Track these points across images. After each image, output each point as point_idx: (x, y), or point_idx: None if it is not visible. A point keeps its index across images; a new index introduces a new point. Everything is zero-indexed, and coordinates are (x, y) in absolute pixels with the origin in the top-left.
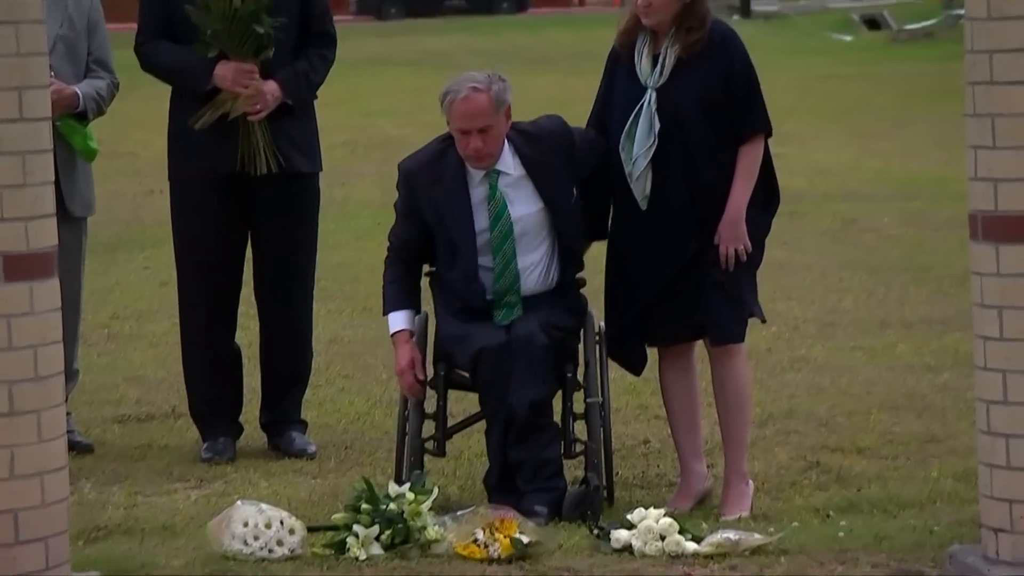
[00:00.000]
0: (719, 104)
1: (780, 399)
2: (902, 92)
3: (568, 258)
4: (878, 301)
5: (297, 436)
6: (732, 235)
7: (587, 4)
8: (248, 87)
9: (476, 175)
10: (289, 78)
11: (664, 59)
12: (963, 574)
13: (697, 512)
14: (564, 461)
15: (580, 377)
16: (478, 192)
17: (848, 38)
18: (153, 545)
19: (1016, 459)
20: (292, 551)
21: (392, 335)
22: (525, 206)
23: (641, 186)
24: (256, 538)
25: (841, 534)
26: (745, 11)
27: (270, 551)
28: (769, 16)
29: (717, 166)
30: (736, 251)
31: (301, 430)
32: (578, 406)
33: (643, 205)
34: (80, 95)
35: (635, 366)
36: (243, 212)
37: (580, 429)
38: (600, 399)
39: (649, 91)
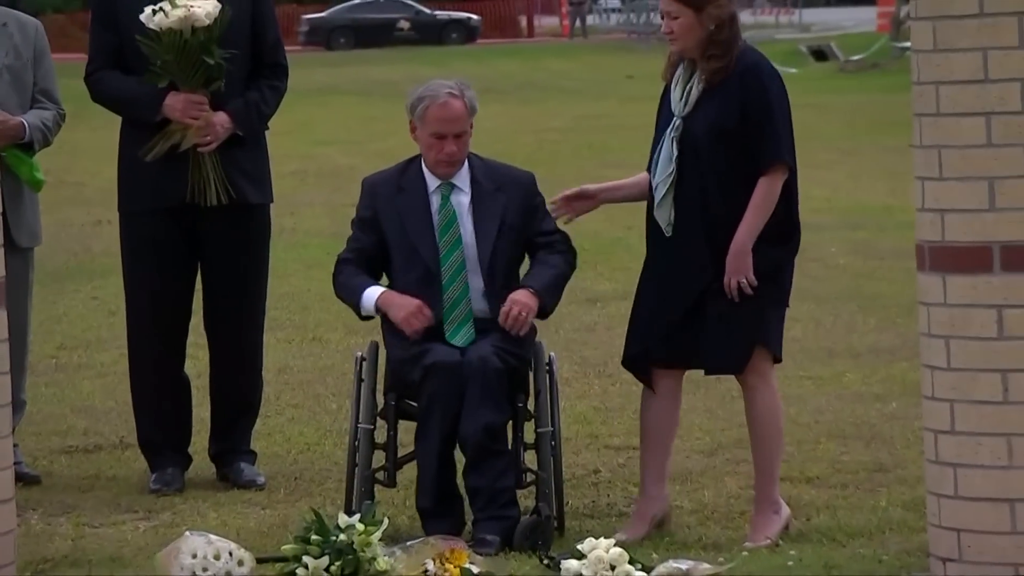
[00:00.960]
0: (734, 135)
1: (730, 428)
2: (849, 123)
3: (501, 290)
4: (826, 330)
5: (246, 467)
6: (735, 267)
7: (536, 35)
8: (198, 118)
9: (432, 184)
10: (240, 109)
11: (690, 88)
12: None
13: (647, 542)
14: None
15: (531, 407)
16: (432, 201)
17: (792, 70)
18: None
19: (964, 488)
20: None
21: (377, 300)
22: (469, 227)
23: (665, 214)
24: (205, 569)
25: (791, 563)
26: None
27: None
28: None
29: (730, 197)
30: (740, 284)
31: (250, 461)
32: (528, 436)
33: (667, 232)
34: (26, 125)
35: (649, 383)
36: (193, 242)
37: (531, 459)
38: (551, 429)
39: (675, 119)
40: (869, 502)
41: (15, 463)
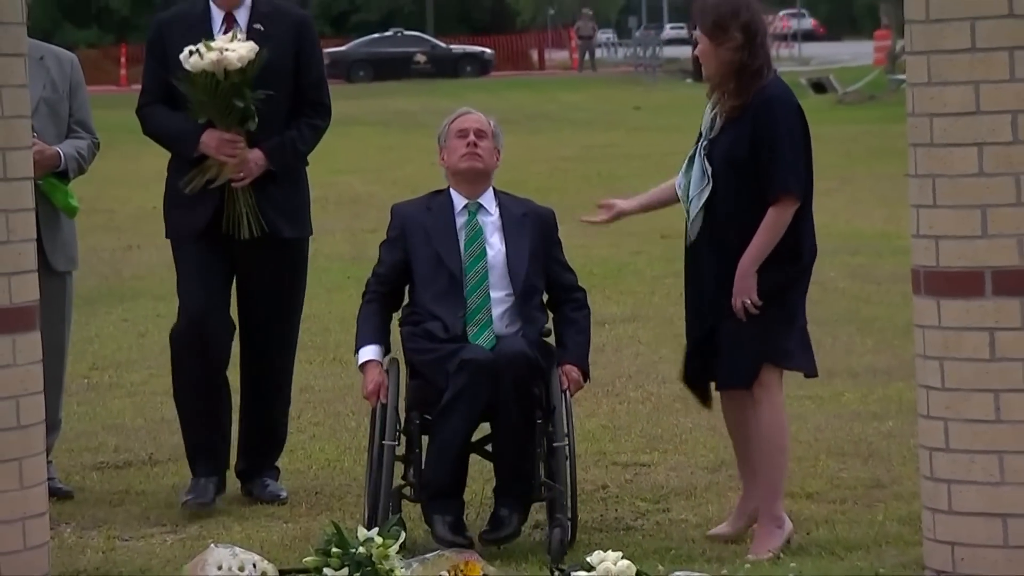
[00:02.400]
0: (746, 164)
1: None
2: (847, 152)
3: (530, 306)
4: (825, 351)
5: (270, 482)
6: (739, 288)
7: (547, 68)
8: (233, 155)
9: (459, 204)
10: (275, 147)
11: (715, 115)
12: None
13: (654, 554)
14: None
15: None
16: (458, 219)
17: None
18: None
19: (958, 504)
20: None
21: (361, 364)
22: (495, 244)
23: (697, 227)
24: None
25: (791, 575)
26: (698, 75)
27: None
28: None
29: (738, 223)
30: (745, 304)
31: (274, 476)
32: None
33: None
34: (62, 155)
35: (701, 399)
36: (233, 269)
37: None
38: (566, 442)
39: (702, 140)
40: (867, 517)
41: (49, 479)
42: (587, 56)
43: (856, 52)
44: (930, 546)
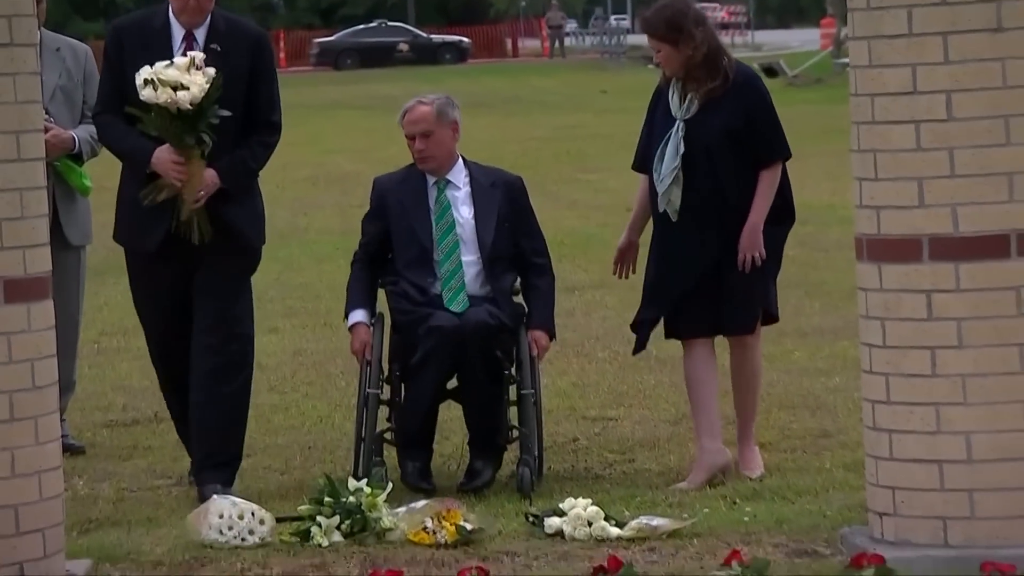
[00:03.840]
0: (741, 134)
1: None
2: (796, 130)
3: (498, 269)
4: None
5: (221, 488)
6: (750, 244)
7: (520, 55)
8: (182, 177)
9: (430, 180)
10: (227, 167)
11: (690, 99)
12: (853, 552)
13: (620, 501)
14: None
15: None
16: (429, 194)
17: None
18: (139, 535)
19: (898, 451)
20: (262, 539)
21: (350, 326)
22: (464, 213)
23: (666, 200)
24: (230, 528)
25: (746, 519)
26: None
27: (243, 539)
28: None
29: (740, 187)
30: (752, 258)
31: (228, 482)
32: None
33: (673, 217)
34: (76, 139)
35: (639, 346)
36: (187, 275)
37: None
38: (532, 390)
39: (678, 122)
40: (815, 464)
41: (62, 436)
42: (557, 44)
43: (804, 39)
44: (873, 490)
